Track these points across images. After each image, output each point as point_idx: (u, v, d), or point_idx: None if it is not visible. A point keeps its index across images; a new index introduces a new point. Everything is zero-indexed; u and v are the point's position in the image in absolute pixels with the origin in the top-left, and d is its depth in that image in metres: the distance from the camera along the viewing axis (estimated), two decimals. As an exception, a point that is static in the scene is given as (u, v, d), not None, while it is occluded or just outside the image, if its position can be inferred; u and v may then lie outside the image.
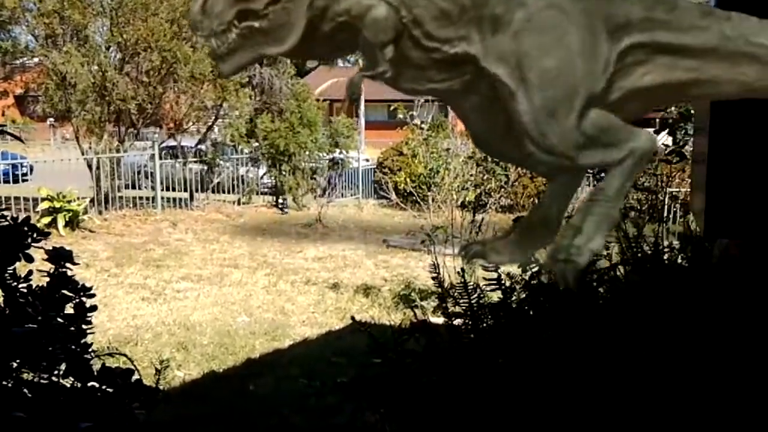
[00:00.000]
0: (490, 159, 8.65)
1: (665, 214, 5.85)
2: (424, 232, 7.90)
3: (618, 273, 2.83)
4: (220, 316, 7.04)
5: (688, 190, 5.70)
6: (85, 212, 11.01)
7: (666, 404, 2.10)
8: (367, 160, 16.55)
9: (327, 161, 14.87)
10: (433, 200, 8.68)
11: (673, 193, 7.52)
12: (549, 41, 1.41)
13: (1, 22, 12.47)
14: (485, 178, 8.64)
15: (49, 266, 2.09)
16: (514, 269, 2.85)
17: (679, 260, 2.96)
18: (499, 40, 1.40)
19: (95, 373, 1.96)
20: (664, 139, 5.36)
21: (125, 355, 2.35)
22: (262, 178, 14.67)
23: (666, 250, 3.03)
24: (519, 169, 12.84)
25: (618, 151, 1.42)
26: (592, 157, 1.44)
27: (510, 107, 1.40)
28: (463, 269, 2.62)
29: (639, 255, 2.89)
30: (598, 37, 1.42)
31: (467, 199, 8.38)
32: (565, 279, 1.42)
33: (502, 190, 9.22)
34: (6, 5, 11.92)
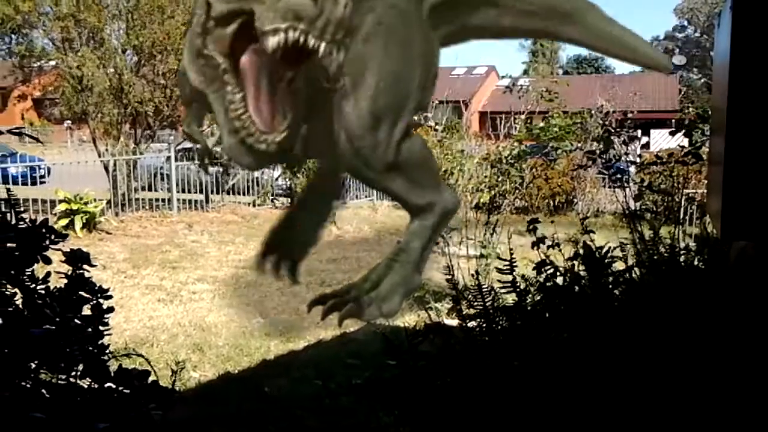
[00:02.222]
0: (504, 161, 8.63)
1: (681, 216, 5.81)
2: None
3: (634, 275, 2.81)
4: (235, 317, 7.07)
5: (705, 191, 5.66)
6: (102, 214, 11.08)
7: (682, 406, 2.08)
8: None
9: (341, 163, 14.87)
10: (447, 202, 8.66)
11: (690, 195, 7.46)
12: (395, 42, 1.39)
13: (17, 26, 12.59)
14: (499, 179, 8.63)
15: (66, 268, 2.11)
16: (529, 271, 2.84)
17: (696, 263, 2.94)
18: (352, 46, 1.38)
19: (112, 374, 1.98)
20: (681, 140, 5.32)
21: (142, 356, 2.37)
22: (277, 179, 14.72)
23: (682, 252, 3.02)
24: (534, 170, 12.82)
25: (419, 196, 1.38)
26: (396, 186, 1.39)
27: (338, 109, 1.37)
28: (477, 271, 2.61)
29: (655, 257, 2.87)
30: (429, 36, 1.41)
31: (481, 200, 8.37)
32: (339, 318, 1.36)
33: (517, 191, 9.20)
34: (21, 9, 12.03)
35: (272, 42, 1.36)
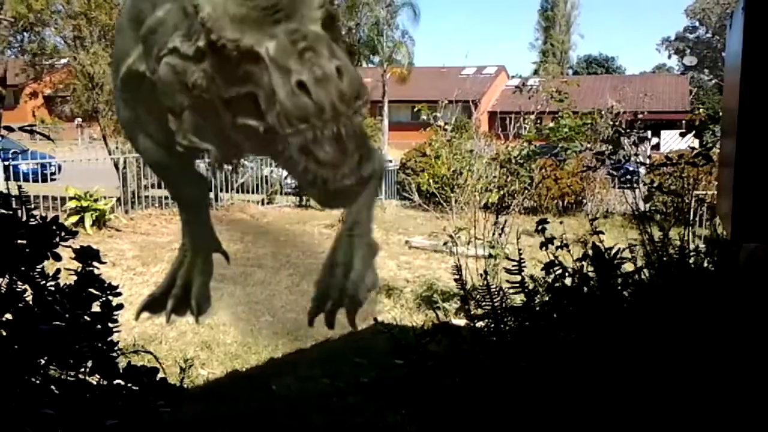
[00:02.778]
0: (513, 161, 8.60)
1: (691, 218, 5.78)
2: (446, 233, 7.88)
3: (643, 276, 2.80)
4: (243, 315, 7.08)
5: (715, 193, 5.63)
6: (112, 211, 11.13)
7: (691, 408, 2.08)
8: (390, 161, 16.55)
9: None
10: (455, 201, 8.66)
11: (700, 196, 7.43)
12: None
13: (30, 24, 12.66)
14: (508, 179, 8.59)
15: (76, 265, 2.12)
16: (537, 272, 2.83)
17: (705, 264, 2.92)
18: None
19: (121, 371, 1.99)
20: (691, 141, 5.30)
21: (151, 353, 2.37)
22: (285, 178, 14.73)
23: (692, 253, 3.00)
24: (543, 171, 12.78)
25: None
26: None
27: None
28: (485, 271, 2.61)
29: (664, 258, 2.86)
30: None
31: (490, 200, 8.34)
32: (348, 318, 1.41)
33: (526, 191, 9.16)
34: (34, 7, 12.10)
35: (297, 140, 1.44)
